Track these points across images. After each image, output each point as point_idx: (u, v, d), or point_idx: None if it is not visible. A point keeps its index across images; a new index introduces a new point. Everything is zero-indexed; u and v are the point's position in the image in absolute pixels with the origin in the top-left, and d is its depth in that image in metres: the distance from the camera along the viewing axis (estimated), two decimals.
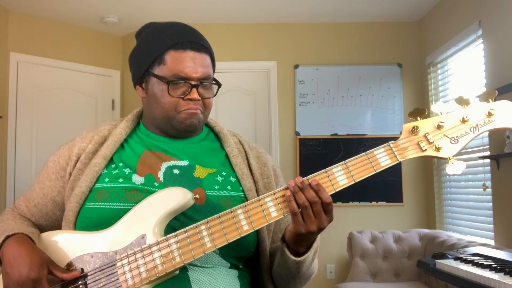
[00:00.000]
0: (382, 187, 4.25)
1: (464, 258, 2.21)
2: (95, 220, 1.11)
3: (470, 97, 1.03)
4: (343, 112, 4.36)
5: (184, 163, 1.18)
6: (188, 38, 1.18)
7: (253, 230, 1.01)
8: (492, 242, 3.18)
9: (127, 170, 1.16)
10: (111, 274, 1.04)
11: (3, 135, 3.98)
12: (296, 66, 4.41)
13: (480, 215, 3.43)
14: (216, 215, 1.02)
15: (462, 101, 1.03)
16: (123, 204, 1.10)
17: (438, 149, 1.02)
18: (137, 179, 1.14)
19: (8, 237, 1.11)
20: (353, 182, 1.02)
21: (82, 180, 1.15)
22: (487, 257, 2.20)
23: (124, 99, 4.70)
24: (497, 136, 3.11)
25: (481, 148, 3.36)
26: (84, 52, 4.49)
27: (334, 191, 1.02)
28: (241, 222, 1.01)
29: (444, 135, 1.02)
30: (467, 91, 3.59)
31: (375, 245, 3.79)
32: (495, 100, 1.02)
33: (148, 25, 1.27)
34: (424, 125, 1.03)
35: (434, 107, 1.05)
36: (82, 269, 1.07)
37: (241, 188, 1.18)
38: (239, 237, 1.01)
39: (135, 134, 1.26)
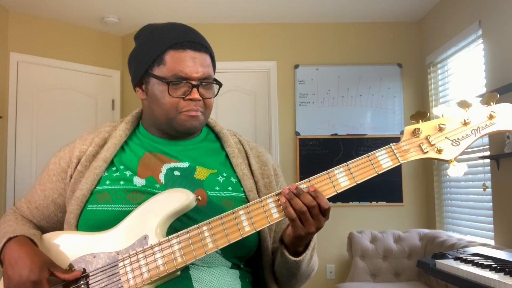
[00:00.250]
0: (382, 187, 4.26)
1: (464, 258, 2.21)
2: (97, 222, 1.11)
3: (472, 99, 1.04)
4: (343, 112, 4.36)
5: (185, 164, 1.18)
6: (187, 38, 1.17)
7: (254, 231, 1.01)
8: (492, 242, 3.19)
9: (128, 173, 1.16)
10: (113, 274, 1.04)
11: (3, 135, 3.98)
12: (296, 66, 4.42)
13: (480, 215, 3.44)
14: (218, 216, 1.02)
15: (463, 104, 1.03)
16: (125, 205, 1.10)
17: (439, 151, 1.02)
18: (138, 182, 1.14)
19: (10, 239, 1.11)
20: (355, 184, 1.02)
21: (83, 182, 1.15)
22: (487, 257, 2.20)
23: (124, 99, 4.70)
24: (497, 136, 3.11)
25: (481, 148, 3.36)
26: (84, 52, 4.49)
27: (335, 192, 1.03)
28: (242, 223, 1.01)
29: (446, 137, 1.03)
30: (467, 91, 3.59)
31: (375, 245, 3.79)
32: (496, 103, 1.03)
33: (146, 27, 1.26)
34: (426, 127, 1.04)
35: (435, 110, 1.05)
36: (84, 269, 1.07)
37: (242, 189, 1.19)
38: (241, 237, 1.01)
39: (135, 136, 1.25)
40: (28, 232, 1.14)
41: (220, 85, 1.21)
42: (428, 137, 1.03)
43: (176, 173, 1.16)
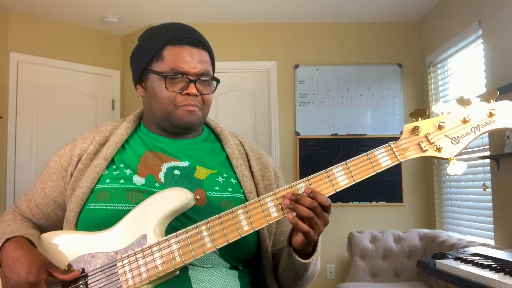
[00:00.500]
0: (382, 187, 4.26)
1: (464, 258, 2.21)
2: (96, 221, 1.11)
3: (471, 97, 1.03)
4: (343, 112, 4.36)
5: (185, 164, 1.18)
6: (186, 34, 1.19)
7: (253, 230, 1.01)
8: (492, 242, 3.18)
9: (128, 171, 1.16)
10: (112, 274, 1.04)
11: (3, 135, 3.98)
12: (296, 66, 4.41)
13: (480, 215, 3.44)
14: (216, 216, 1.02)
15: (463, 101, 1.02)
16: (124, 204, 1.10)
17: (439, 149, 1.01)
18: (138, 180, 1.14)
19: (8, 240, 1.11)
20: (354, 183, 1.02)
21: (83, 181, 1.15)
22: (487, 257, 2.20)
23: (124, 99, 4.70)
24: (497, 136, 3.11)
25: (481, 148, 3.36)
26: (84, 52, 4.49)
27: (334, 191, 1.02)
28: (241, 222, 1.01)
29: (445, 135, 1.02)
30: (467, 91, 3.59)
31: (375, 245, 3.79)
32: (496, 100, 1.02)
33: (148, 28, 1.28)
34: (425, 125, 1.03)
35: (435, 108, 1.05)
36: (83, 269, 1.07)
37: (241, 190, 1.18)
38: (239, 237, 1.01)
39: (136, 135, 1.26)
40: (26, 232, 1.14)
41: (218, 81, 1.22)
42: (427, 135, 1.03)
43: (176, 172, 1.16)
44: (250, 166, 1.24)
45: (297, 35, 4.47)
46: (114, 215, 1.09)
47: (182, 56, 1.16)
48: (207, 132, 1.30)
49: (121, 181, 1.14)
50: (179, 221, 1.07)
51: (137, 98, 1.19)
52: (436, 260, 2.24)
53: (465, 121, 1.02)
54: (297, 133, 4.35)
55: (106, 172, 1.17)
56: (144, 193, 1.11)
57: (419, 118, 1.04)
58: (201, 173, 1.17)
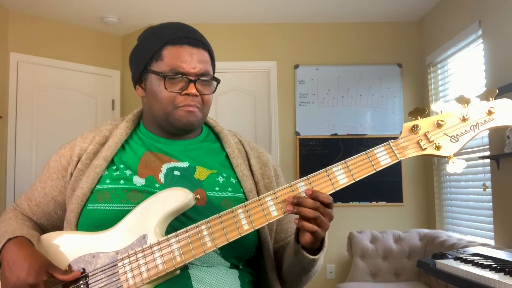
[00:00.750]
0: (382, 187, 4.26)
1: (464, 258, 2.21)
2: (97, 221, 1.11)
3: (470, 95, 1.03)
4: (343, 112, 4.36)
5: (185, 164, 1.18)
6: (184, 33, 1.18)
7: (253, 230, 1.01)
8: (492, 242, 3.18)
9: (128, 172, 1.16)
10: (112, 274, 1.04)
11: (3, 135, 3.98)
12: (296, 66, 4.42)
13: (480, 215, 3.44)
14: (216, 215, 1.02)
15: (462, 100, 1.02)
16: (125, 205, 1.10)
17: (438, 147, 1.01)
18: (138, 181, 1.14)
19: (9, 239, 1.11)
20: (353, 181, 1.02)
21: (83, 181, 1.15)
22: (487, 257, 2.20)
23: (124, 99, 4.70)
24: (497, 136, 3.11)
25: (481, 148, 3.36)
26: (84, 52, 4.49)
27: (334, 190, 1.02)
28: (241, 222, 1.01)
29: (444, 133, 1.02)
30: (467, 91, 3.59)
31: (375, 245, 3.79)
32: (495, 99, 1.02)
33: (147, 28, 1.27)
34: (424, 124, 1.03)
35: (434, 106, 1.05)
36: (84, 269, 1.07)
37: (241, 190, 1.18)
38: (239, 236, 1.01)
39: (136, 135, 1.25)
40: (27, 233, 1.14)
41: (218, 81, 1.21)
42: (426, 133, 1.03)
43: (176, 172, 1.16)
44: (250, 165, 1.24)
45: (297, 35, 4.47)
46: (114, 215, 1.09)
47: (182, 56, 1.15)
48: (206, 131, 1.30)
49: (121, 181, 1.14)
50: (179, 221, 1.07)
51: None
52: (436, 260, 2.24)
53: (464, 119, 1.02)
54: (297, 133, 4.35)
55: (106, 172, 1.17)
56: (145, 193, 1.11)
57: (419, 117, 1.04)
58: (201, 173, 1.17)
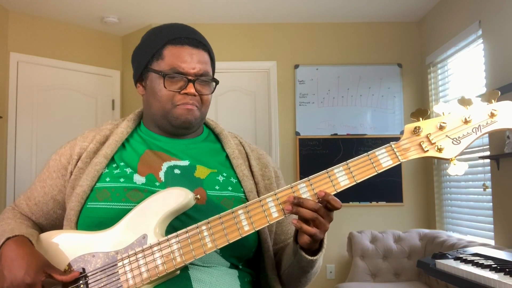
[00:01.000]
0: (382, 187, 4.26)
1: (464, 258, 2.21)
2: (97, 220, 1.11)
3: (473, 97, 1.03)
4: (343, 112, 4.36)
5: (185, 163, 1.18)
6: (185, 34, 1.19)
7: (254, 231, 1.01)
8: (492, 242, 3.18)
9: (128, 170, 1.16)
10: (112, 274, 1.04)
11: (3, 135, 3.98)
12: (296, 66, 4.41)
13: (480, 215, 3.44)
14: (217, 216, 1.02)
15: (464, 102, 1.02)
16: (125, 204, 1.10)
17: (440, 150, 1.01)
18: (138, 179, 1.14)
19: (8, 238, 1.11)
20: (355, 183, 1.02)
21: (83, 179, 1.15)
22: (487, 257, 2.20)
23: (124, 99, 4.70)
24: (497, 136, 3.11)
25: (481, 148, 3.36)
26: (84, 52, 4.49)
27: (335, 192, 1.02)
28: (242, 223, 1.01)
29: (446, 135, 1.02)
30: (467, 91, 3.59)
31: (375, 245, 3.79)
32: (497, 101, 1.02)
33: (150, 28, 1.28)
34: (426, 125, 1.03)
35: (436, 108, 1.04)
36: (84, 269, 1.07)
37: (242, 189, 1.19)
38: (240, 237, 1.01)
39: (136, 134, 1.26)
40: (26, 232, 1.14)
41: (217, 82, 1.22)
42: (428, 135, 1.02)
43: (176, 171, 1.16)
44: (250, 166, 1.24)
45: (297, 35, 4.47)
46: (114, 214, 1.09)
47: (182, 56, 1.16)
48: (207, 132, 1.30)
49: (122, 180, 1.14)
50: (179, 220, 1.07)
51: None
52: (436, 260, 2.24)
53: (466, 122, 1.01)
54: (297, 133, 4.35)
55: (106, 170, 1.17)
56: (145, 192, 1.11)
57: (420, 118, 1.04)
58: (201, 172, 1.17)
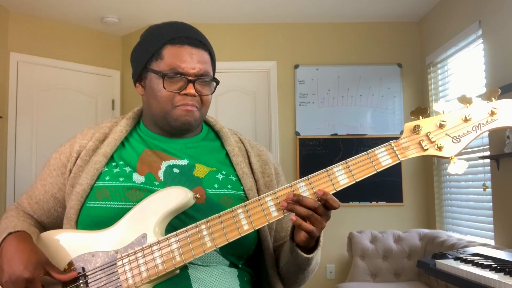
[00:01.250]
0: (382, 187, 4.25)
1: (464, 258, 2.21)
2: (97, 219, 1.11)
3: (473, 96, 1.03)
4: (343, 112, 4.36)
5: (184, 162, 1.18)
6: (185, 33, 1.18)
7: (253, 230, 1.01)
8: (492, 242, 3.18)
9: (127, 169, 1.16)
10: (112, 273, 1.04)
11: (3, 135, 3.98)
12: (296, 66, 4.41)
13: (480, 215, 3.43)
14: (216, 215, 1.02)
15: (464, 100, 1.02)
16: (124, 203, 1.10)
17: (440, 148, 1.01)
18: (138, 178, 1.14)
19: (10, 234, 1.11)
20: (354, 182, 1.01)
21: (83, 177, 1.15)
22: (487, 257, 2.20)
23: (124, 99, 4.70)
24: (497, 136, 3.11)
25: (481, 148, 3.36)
26: (84, 52, 4.49)
27: (334, 191, 1.02)
28: (241, 222, 1.01)
29: (446, 134, 1.01)
30: (467, 91, 3.59)
31: (375, 245, 3.79)
32: (498, 99, 1.01)
33: (149, 27, 1.27)
34: (426, 124, 1.03)
35: (436, 106, 1.04)
36: (83, 268, 1.07)
37: (241, 187, 1.18)
38: (239, 236, 1.01)
39: (136, 133, 1.26)
40: (28, 229, 1.14)
41: (217, 82, 1.21)
42: (428, 134, 1.02)
43: (175, 170, 1.16)
44: (250, 163, 1.24)
45: (297, 35, 4.47)
46: (114, 214, 1.09)
47: (182, 56, 1.15)
48: (207, 130, 1.30)
49: (121, 179, 1.14)
50: (178, 219, 1.07)
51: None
52: (436, 260, 2.24)
53: (466, 120, 1.01)
54: (297, 133, 4.35)
55: (106, 169, 1.17)
56: (144, 191, 1.11)
57: (420, 117, 1.04)
58: (200, 171, 1.17)
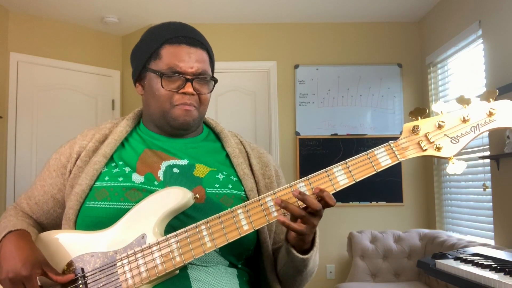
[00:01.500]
0: (382, 187, 4.25)
1: (464, 258, 2.21)
2: (96, 220, 1.11)
3: (471, 96, 1.03)
4: (343, 112, 4.36)
5: (184, 162, 1.18)
6: (183, 33, 1.19)
7: (253, 230, 1.01)
8: (492, 242, 3.18)
9: (127, 169, 1.16)
10: (111, 274, 1.04)
11: (3, 135, 3.98)
12: (296, 66, 4.41)
13: (480, 215, 3.43)
14: (216, 215, 1.02)
15: (463, 101, 1.02)
16: (123, 203, 1.10)
17: (438, 148, 1.01)
18: (137, 178, 1.14)
19: (10, 232, 1.11)
20: (354, 182, 1.01)
21: (82, 178, 1.15)
22: (487, 257, 2.20)
23: (124, 99, 4.70)
24: (497, 136, 3.11)
25: (481, 148, 3.36)
26: (84, 52, 4.49)
27: (334, 191, 1.02)
28: (241, 222, 1.01)
29: (445, 134, 1.02)
30: (467, 91, 3.59)
31: (375, 245, 3.79)
32: (496, 100, 1.02)
33: (150, 27, 1.28)
34: (425, 124, 1.03)
35: (434, 107, 1.04)
36: (82, 269, 1.06)
37: (242, 188, 1.18)
38: (239, 236, 1.01)
39: (136, 133, 1.26)
40: (28, 228, 1.15)
41: (215, 81, 1.22)
42: (427, 134, 1.02)
43: (175, 170, 1.16)
44: (250, 165, 1.24)
45: (297, 35, 4.47)
46: (113, 214, 1.09)
47: (180, 55, 1.16)
48: (207, 131, 1.30)
49: (120, 179, 1.14)
50: (178, 219, 1.07)
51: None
52: (436, 260, 2.24)
53: (464, 120, 1.01)
54: (297, 133, 4.35)
55: (105, 169, 1.17)
56: (143, 191, 1.11)
57: (419, 117, 1.04)
58: (201, 171, 1.17)
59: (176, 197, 1.04)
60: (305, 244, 1.06)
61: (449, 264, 2.14)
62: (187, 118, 1.17)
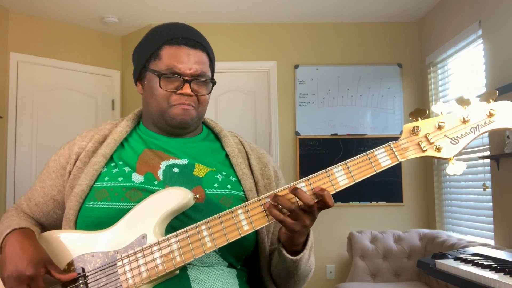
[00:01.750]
0: (382, 187, 4.26)
1: (464, 258, 2.21)
2: (96, 220, 1.11)
3: (471, 97, 1.03)
4: (343, 112, 4.36)
5: (184, 161, 1.19)
6: (183, 34, 1.20)
7: (253, 230, 1.01)
8: (492, 242, 3.18)
9: (126, 169, 1.16)
10: (112, 273, 1.04)
11: (3, 135, 3.98)
12: (296, 66, 4.42)
13: (480, 215, 3.44)
14: (216, 215, 1.02)
15: (462, 101, 1.02)
16: (123, 203, 1.10)
17: (438, 149, 1.01)
18: (137, 178, 1.14)
19: (14, 230, 1.12)
20: (354, 182, 1.02)
21: (82, 178, 1.15)
22: (487, 257, 2.20)
23: (124, 99, 4.70)
24: (497, 136, 3.11)
25: (481, 148, 3.36)
26: (84, 52, 4.49)
27: (334, 191, 1.02)
28: (241, 222, 1.01)
29: (445, 135, 1.02)
30: (467, 91, 3.59)
31: (375, 245, 3.79)
32: (496, 101, 1.02)
33: (152, 28, 1.29)
34: (425, 125, 1.03)
35: (434, 107, 1.05)
36: (83, 269, 1.07)
37: (241, 188, 1.19)
38: (240, 237, 1.01)
39: (135, 133, 1.27)
40: (32, 227, 1.16)
41: (214, 83, 1.22)
42: (427, 135, 1.03)
43: (175, 170, 1.17)
44: (250, 165, 1.24)
45: (297, 35, 4.47)
46: (113, 214, 1.09)
47: (179, 56, 1.17)
48: (207, 131, 1.31)
49: (120, 179, 1.14)
50: (178, 220, 1.07)
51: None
52: (436, 260, 2.24)
53: (464, 121, 1.02)
54: (297, 133, 4.35)
55: (105, 169, 1.17)
56: (143, 191, 1.11)
57: (419, 118, 1.04)
58: (200, 170, 1.17)
59: (176, 197, 1.04)
60: (295, 244, 1.06)
61: (449, 264, 2.14)
62: (185, 117, 1.17)
